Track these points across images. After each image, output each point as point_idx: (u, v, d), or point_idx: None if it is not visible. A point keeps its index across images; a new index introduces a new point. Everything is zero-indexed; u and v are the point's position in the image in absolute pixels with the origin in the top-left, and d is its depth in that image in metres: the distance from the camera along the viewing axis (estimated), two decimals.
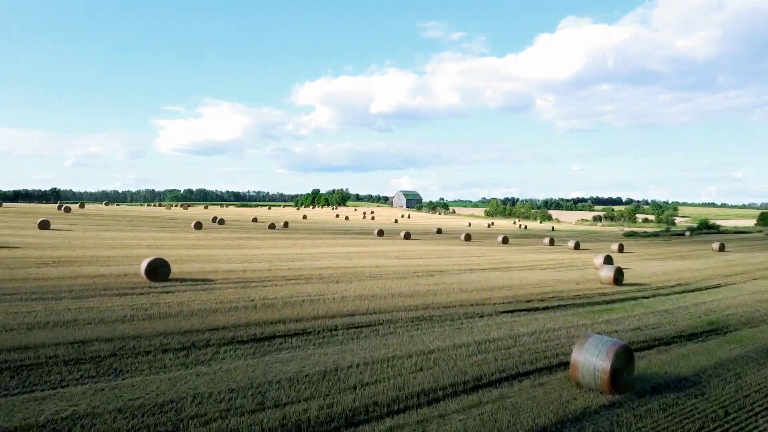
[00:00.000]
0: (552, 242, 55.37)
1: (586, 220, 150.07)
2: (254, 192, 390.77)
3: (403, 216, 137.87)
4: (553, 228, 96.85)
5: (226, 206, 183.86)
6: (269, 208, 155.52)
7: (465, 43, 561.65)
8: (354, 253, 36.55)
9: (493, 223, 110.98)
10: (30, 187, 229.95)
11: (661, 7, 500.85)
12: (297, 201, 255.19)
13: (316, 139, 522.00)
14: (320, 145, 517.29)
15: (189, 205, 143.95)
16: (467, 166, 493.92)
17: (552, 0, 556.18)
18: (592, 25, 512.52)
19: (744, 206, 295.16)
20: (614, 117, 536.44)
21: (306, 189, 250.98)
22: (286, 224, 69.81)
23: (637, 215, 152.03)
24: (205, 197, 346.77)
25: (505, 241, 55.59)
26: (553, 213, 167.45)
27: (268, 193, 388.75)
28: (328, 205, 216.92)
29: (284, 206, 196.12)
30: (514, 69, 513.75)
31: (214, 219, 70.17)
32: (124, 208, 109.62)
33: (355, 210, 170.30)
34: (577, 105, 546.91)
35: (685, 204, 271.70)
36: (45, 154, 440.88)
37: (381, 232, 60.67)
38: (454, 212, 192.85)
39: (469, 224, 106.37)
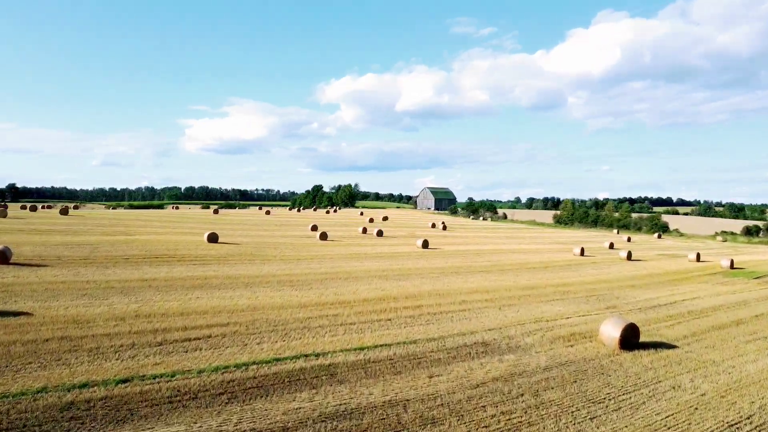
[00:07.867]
0: None
1: (732, 234, 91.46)
2: (262, 190, 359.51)
3: (434, 225, 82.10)
4: None
5: (199, 206, 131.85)
6: (215, 212, 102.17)
7: (495, 39, 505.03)
8: None
9: (613, 245, 55.10)
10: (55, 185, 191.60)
11: None
12: (294, 200, 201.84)
13: (341, 138, 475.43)
14: (344, 144, 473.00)
15: (69, 206, 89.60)
16: (493, 166, 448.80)
17: None
18: (629, 19, 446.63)
19: None
20: (647, 116, 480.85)
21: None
22: None
23: None
24: (207, 196, 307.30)
25: None
26: (668, 220, 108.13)
27: (278, 191, 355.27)
28: (332, 206, 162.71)
29: (266, 208, 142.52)
30: (545, 65, 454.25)
31: None
32: None
33: (361, 214, 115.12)
34: (609, 103, 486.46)
35: (743, 205, 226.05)
36: (72, 153, 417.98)
37: None
38: (505, 217, 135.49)
39: (582, 251, 49.84)
